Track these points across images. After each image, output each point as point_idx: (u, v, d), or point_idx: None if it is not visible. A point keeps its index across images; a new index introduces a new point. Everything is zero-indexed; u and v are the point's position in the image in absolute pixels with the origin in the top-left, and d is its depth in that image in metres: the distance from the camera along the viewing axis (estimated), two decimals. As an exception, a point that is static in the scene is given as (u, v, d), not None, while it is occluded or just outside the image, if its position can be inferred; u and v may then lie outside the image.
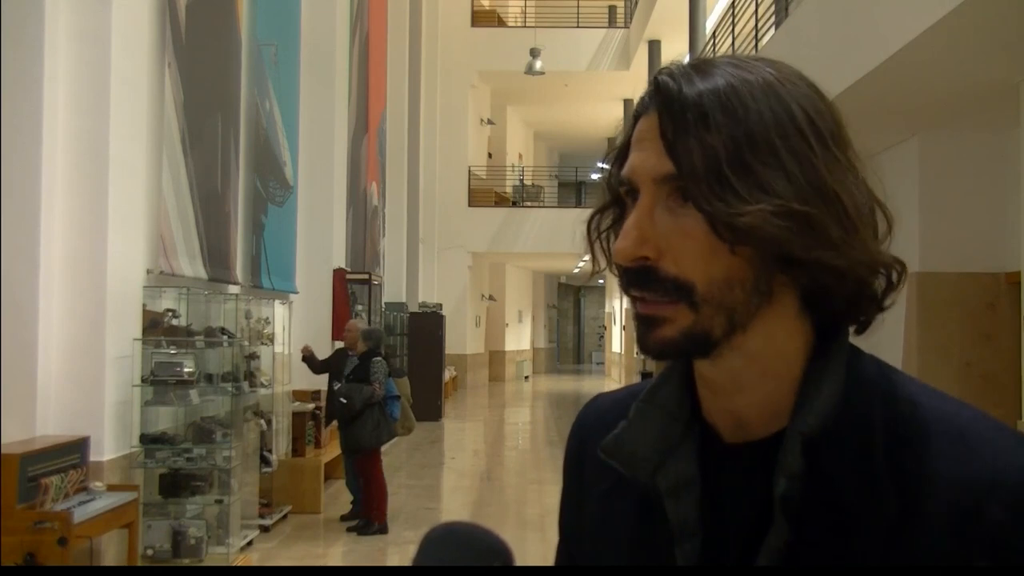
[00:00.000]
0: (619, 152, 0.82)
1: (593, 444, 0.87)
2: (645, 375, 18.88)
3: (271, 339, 8.18)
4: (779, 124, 0.74)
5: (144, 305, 6.01)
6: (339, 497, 8.57)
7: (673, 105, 0.75)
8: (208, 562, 5.98)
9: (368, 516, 7.53)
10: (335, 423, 7.98)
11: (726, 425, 0.81)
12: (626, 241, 0.76)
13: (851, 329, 0.80)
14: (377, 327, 8.61)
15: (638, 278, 0.76)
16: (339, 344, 8.98)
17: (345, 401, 7.33)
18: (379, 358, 7.63)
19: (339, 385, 7.53)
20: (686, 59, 0.80)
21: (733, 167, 0.73)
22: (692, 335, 0.75)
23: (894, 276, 0.78)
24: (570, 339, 39.23)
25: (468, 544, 0.82)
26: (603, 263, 0.85)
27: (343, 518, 7.90)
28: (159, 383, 5.91)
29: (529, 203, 23.95)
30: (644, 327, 0.77)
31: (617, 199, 0.83)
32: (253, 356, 7.60)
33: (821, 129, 0.76)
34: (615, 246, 0.78)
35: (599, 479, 0.89)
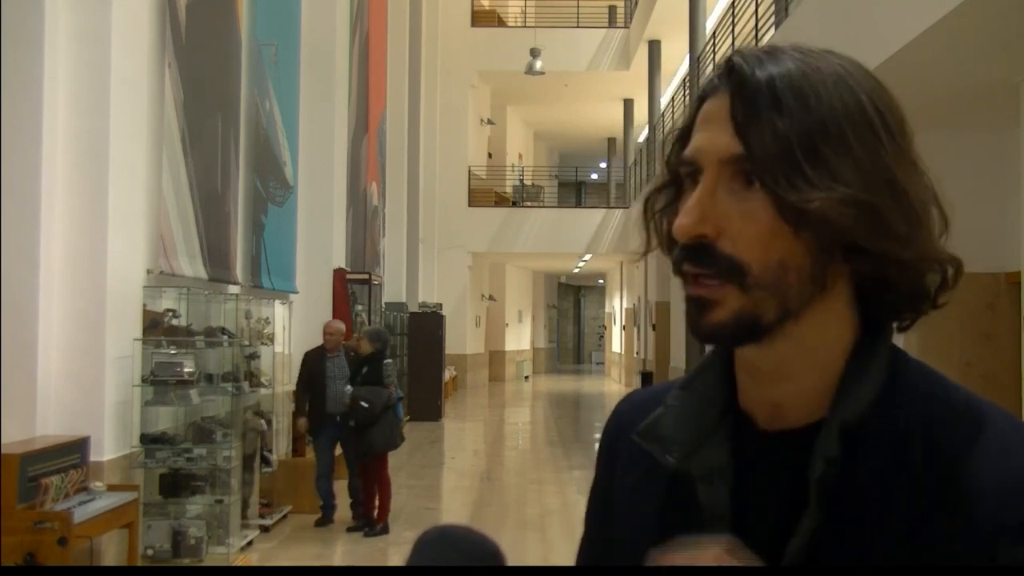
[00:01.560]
0: (681, 133, 0.82)
1: (627, 434, 0.88)
2: (645, 375, 18.87)
3: (271, 339, 8.18)
4: (849, 114, 0.75)
5: (144, 305, 6.01)
6: (339, 497, 8.56)
7: (747, 87, 0.76)
8: (208, 562, 5.98)
9: (371, 517, 7.48)
10: (299, 428, 7.89)
11: (763, 413, 0.81)
12: (688, 218, 0.76)
13: (895, 326, 0.81)
14: (383, 328, 8.49)
15: (694, 254, 0.77)
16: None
17: (367, 405, 7.19)
18: (390, 360, 7.57)
19: (347, 387, 7.35)
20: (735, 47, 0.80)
21: (804, 152, 0.73)
22: (743, 318, 0.76)
23: (950, 273, 0.79)
24: (570, 339, 39.23)
25: (461, 547, 0.82)
26: (655, 243, 0.85)
27: (318, 523, 7.75)
28: (159, 383, 5.91)
29: (529, 203, 23.95)
30: (696, 310, 0.78)
31: (675, 179, 0.83)
32: (253, 356, 7.60)
33: (889, 122, 0.76)
34: (676, 222, 0.77)
35: (632, 467, 0.89)
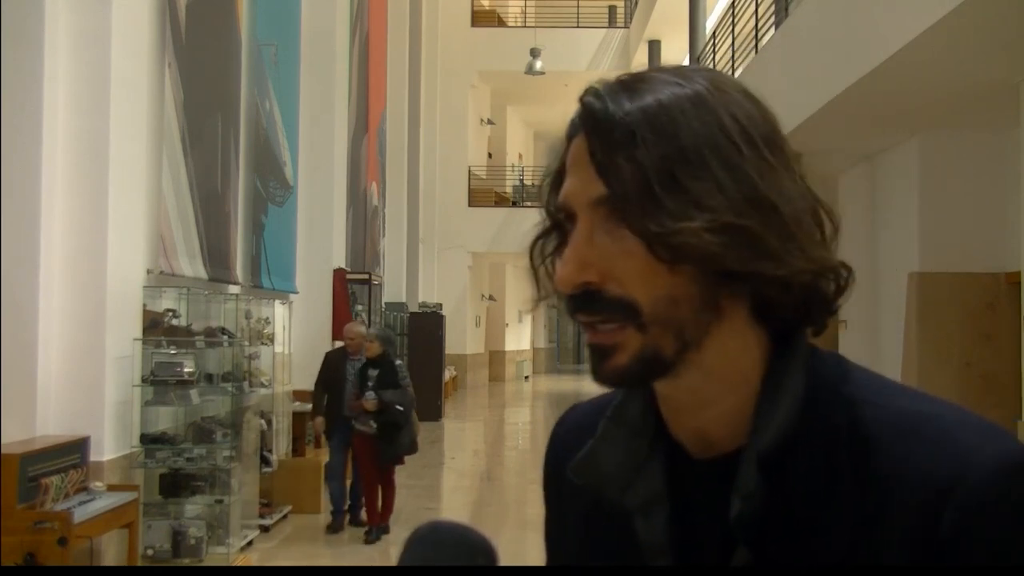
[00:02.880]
0: (555, 177, 0.81)
1: (568, 462, 0.86)
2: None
3: (271, 339, 8.18)
4: (709, 136, 0.72)
5: (144, 305, 6.01)
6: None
7: (600, 125, 0.74)
8: (208, 562, 5.98)
9: (374, 523, 7.32)
10: (316, 429, 7.77)
11: (692, 441, 0.79)
12: (567, 268, 0.75)
13: (809, 331, 0.79)
14: (390, 328, 8.39)
15: (583, 302, 0.75)
16: (337, 344, 8.90)
17: (401, 408, 7.07)
18: (400, 361, 7.50)
19: (368, 392, 7.06)
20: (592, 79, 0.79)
21: (663, 185, 0.71)
22: (644, 358, 0.74)
23: (842, 279, 0.77)
24: (570, 339, 39.20)
25: (452, 543, 0.82)
26: (548, 290, 0.83)
27: (330, 530, 7.59)
28: (159, 383, 5.91)
29: (529, 203, 23.92)
30: (596, 357, 0.76)
31: (557, 224, 0.81)
32: (253, 356, 7.60)
33: (753, 135, 0.74)
34: (557, 274, 0.76)
35: (579, 497, 0.87)
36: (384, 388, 7.06)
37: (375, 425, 7.08)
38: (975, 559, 0.67)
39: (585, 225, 0.75)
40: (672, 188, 0.71)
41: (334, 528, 7.55)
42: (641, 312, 0.73)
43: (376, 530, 7.31)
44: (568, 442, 0.91)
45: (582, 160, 0.75)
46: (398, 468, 7.49)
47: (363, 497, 7.48)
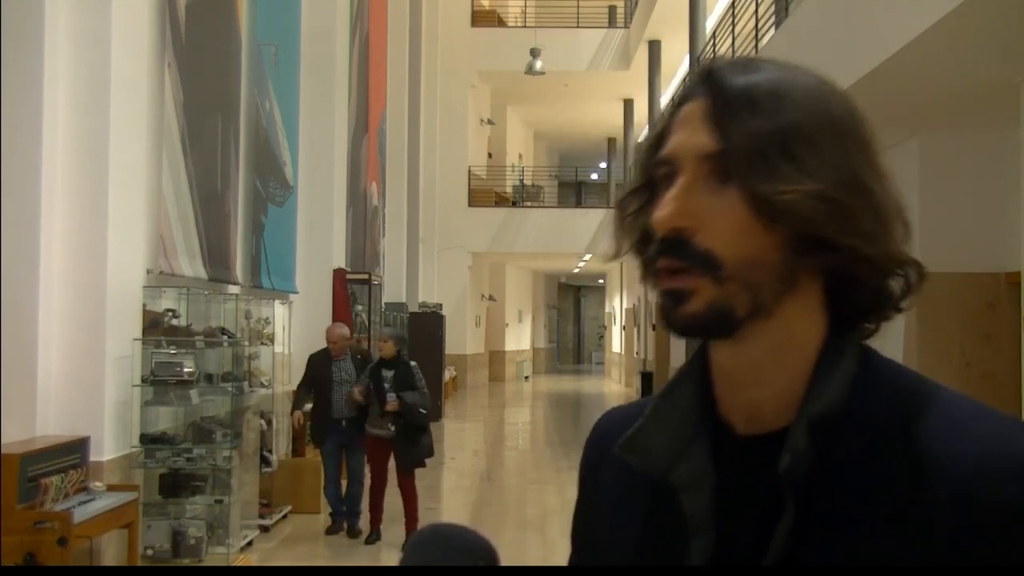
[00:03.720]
0: (655, 138, 0.85)
1: (608, 457, 0.89)
2: (645, 375, 18.87)
3: (271, 339, 8.18)
4: (822, 120, 0.78)
5: (144, 305, 6.01)
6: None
7: (724, 91, 0.79)
8: (208, 562, 5.98)
9: (378, 527, 7.21)
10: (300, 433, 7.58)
11: (741, 418, 0.82)
12: (665, 210, 0.78)
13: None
14: (402, 328, 8.23)
15: (671, 246, 0.79)
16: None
17: (425, 411, 6.90)
18: (415, 362, 7.30)
19: (390, 395, 6.86)
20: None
21: (777, 149, 0.76)
22: (716, 309, 0.77)
23: (913, 278, 0.80)
24: (570, 339, 39.22)
25: (453, 544, 0.82)
26: (627, 246, 0.87)
27: (329, 531, 7.49)
28: (159, 383, 5.91)
29: (529, 203, 23.95)
30: (671, 302, 0.80)
31: (649, 182, 0.84)
32: (253, 356, 7.60)
33: (860, 134, 0.80)
34: (655, 214, 0.80)
35: (615, 484, 0.90)
36: (402, 390, 6.86)
37: (393, 429, 6.87)
38: (1015, 546, 0.69)
39: (689, 176, 0.79)
40: (785, 153, 0.76)
41: (333, 530, 7.46)
42: (723, 267, 0.77)
43: (376, 534, 7.17)
44: (609, 435, 0.94)
45: (696, 118, 0.80)
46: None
47: (371, 504, 7.19)
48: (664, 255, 0.79)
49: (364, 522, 7.41)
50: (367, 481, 7.35)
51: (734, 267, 0.77)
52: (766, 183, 0.75)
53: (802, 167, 0.76)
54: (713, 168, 0.78)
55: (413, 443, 6.90)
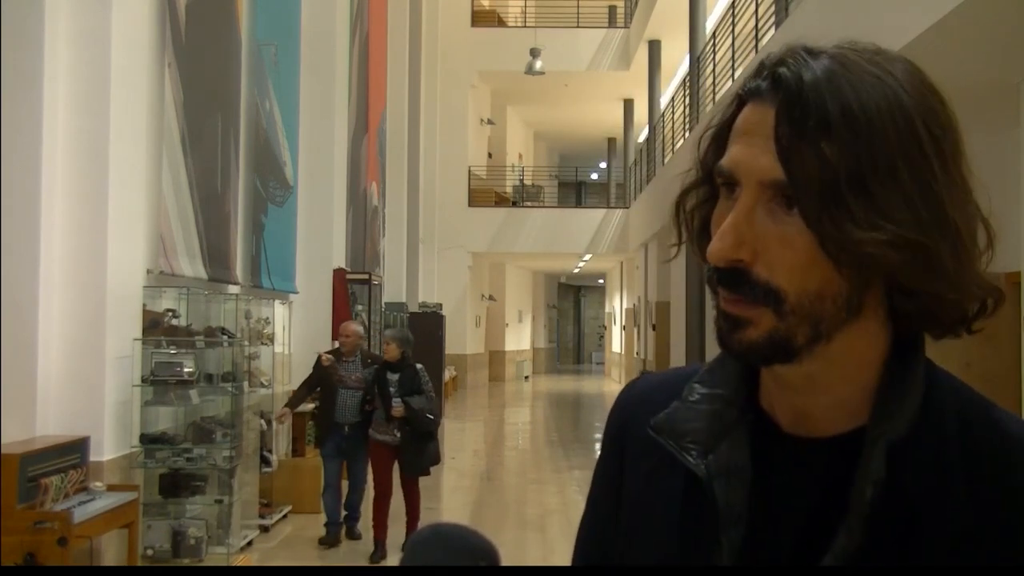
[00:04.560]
0: (718, 132, 0.79)
1: (637, 422, 0.86)
2: (647, 375, 18.83)
3: (271, 339, 8.18)
4: (903, 143, 0.70)
5: (144, 305, 6.01)
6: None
7: (794, 106, 0.71)
8: (208, 562, 5.98)
9: (385, 537, 6.83)
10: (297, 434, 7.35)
11: (788, 417, 0.80)
12: (723, 243, 0.73)
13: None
14: (408, 331, 7.73)
15: (729, 278, 0.74)
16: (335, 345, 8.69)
17: (432, 417, 6.63)
18: (421, 365, 7.01)
19: (395, 400, 6.59)
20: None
21: (851, 187, 0.69)
22: (774, 341, 0.73)
23: (990, 303, 0.77)
24: (570, 339, 39.21)
25: (454, 545, 0.82)
26: (686, 242, 0.84)
27: (323, 541, 7.15)
28: (159, 383, 5.91)
29: (529, 203, 23.94)
30: (728, 326, 0.76)
31: (708, 178, 0.80)
32: (253, 356, 7.59)
33: (944, 148, 0.72)
34: (710, 246, 0.74)
35: (644, 456, 0.87)
36: (408, 395, 6.59)
37: (399, 435, 6.64)
38: None
39: (748, 201, 0.73)
40: (859, 192, 0.69)
41: (328, 541, 7.11)
42: (785, 301, 0.72)
43: (381, 552, 6.78)
44: (637, 404, 0.91)
45: (761, 132, 0.73)
46: (398, 469, 6.94)
47: (375, 515, 6.84)
48: (722, 285, 0.75)
49: (364, 527, 7.23)
50: (372, 491, 7.00)
51: (797, 302, 0.72)
52: (836, 226, 0.69)
53: (877, 205, 0.69)
54: (776, 193, 0.72)
55: (420, 450, 6.65)
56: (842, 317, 0.73)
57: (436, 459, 6.85)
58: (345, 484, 7.38)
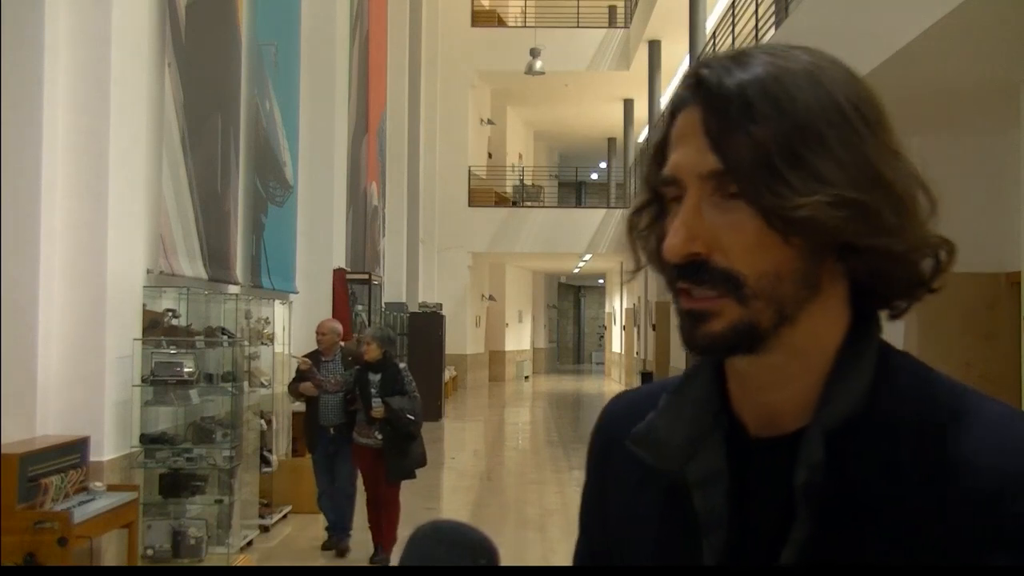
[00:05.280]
0: (657, 149, 0.82)
1: (620, 439, 0.87)
2: (645, 375, 18.85)
3: (271, 339, 8.18)
4: (825, 112, 0.73)
5: (144, 305, 6.01)
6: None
7: (716, 98, 0.75)
8: (208, 562, 5.98)
9: (383, 540, 6.65)
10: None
11: (755, 419, 0.81)
12: (676, 238, 0.75)
13: (886, 314, 0.81)
14: (391, 328, 7.40)
15: (689, 272, 0.76)
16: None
17: (413, 417, 6.36)
18: (404, 365, 6.81)
19: (375, 400, 6.37)
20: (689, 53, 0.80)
21: (783, 158, 0.72)
22: (739, 329, 0.75)
23: (943, 256, 0.78)
24: (570, 339, 39.21)
25: (454, 542, 0.82)
26: (642, 260, 0.85)
27: (327, 546, 7.01)
28: (159, 383, 5.91)
29: (529, 203, 23.95)
30: (690, 322, 0.77)
31: (656, 196, 0.82)
32: (253, 356, 7.59)
33: (867, 115, 0.75)
34: (665, 243, 0.77)
35: (627, 472, 0.88)
36: (390, 395, 6.37)
37: (380, 437, 6.43)
38: None
39: (694, 197, 0.76)
40: (792, 162, 0.72)
41: (330, 545, 6.98)
42: (745, 285, 0.74)
43: (381, 551, 6.65)
44: (619, 421, 0.92)
45: (693, 132, 0.76)
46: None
47: (370, 521, 6.71)
48: (682, 279, 0.77)
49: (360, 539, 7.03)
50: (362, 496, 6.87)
51: (757, 284, 0.74)
52: (776, 198, 0.72)
53: (811, 172, 0.72)
54: (717, 184, 0.75)
55: (401, 452, 6.41)
56: (803, 295, 0.75)
57: (420, 462, 6.61)
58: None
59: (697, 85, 0.77)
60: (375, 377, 6.49)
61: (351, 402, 6.69)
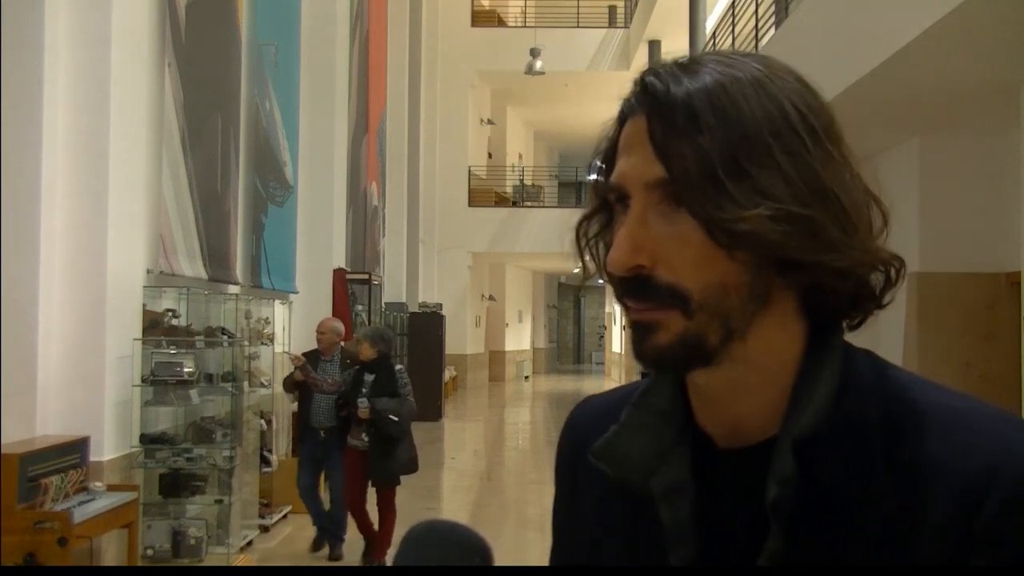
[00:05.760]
0: (606, 156, 0.81)
1: (586, 447, 0.85)
2: (645, 375, 18.86)
3: (271, 339, 8.18)
4: (771, 123, 0.72)
5: (144, 305, 6.01)
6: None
7: (662, 107, 0.73)
8: (208, 562, 5.98)
9: (373, 536, 6.50)
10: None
11: (721, 431, 0.79)
12: (619, 251, 0.74)
13: (845, 325, 0.79)
14: (387, 328, 7.13)
15: (633, 287, 0.75)
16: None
17: (396, 419, 6.13)
18: (401, 366, 6.64)
19: (360, 400, 6.20)
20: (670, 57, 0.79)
21: (727, 171, 0.71)
22: (686, 342, 0.74)
23: (892, 273, 0.77)
24: (570, 339, 39.20)
25: (448, 542, 0.82)
26: (593, 269, 0.83)
27: (315, 547, 6.89)
28: (159, 383, 5.91)
29: (529, 203, 23.94)
30: (638, 334, 0.76)
31: (605, 204, 0.81)
32: (253, 356, 7.59)
33: (814, 126, 0.74)
34: (609, 256, 0.75)
35: (594, 482, 0.87)
36: (381, 396, 6.21)
37: (367, 439, 6.25)
38: (1012, 549, 0.67)
39: (639, 207, 0.75)
40: (736, 174, 0.71)
41: (318, 545, 6.87)
42: (690, 299, 0.73)
43: (372, 544, 6.52)
44: (586, 427, 0.91)
45: (639, 141, 0.75)
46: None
47: (357, 525, 6.53)
48: (628, 296, 0.75)
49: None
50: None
51: (701, 298, 0.73)
52: (719, 210, 0.70)
53: (755, 185, 0.71)
54: (663, 194, 0.73)
55: (386, 454, 6.19)
56: (750, 309, 0.74)
57: (407, 467, 6.36)
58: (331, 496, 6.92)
59: (643, 92, 0.76)
60: (370, 377, 6.34)
61: (343, 405, 6.53)
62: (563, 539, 0.94)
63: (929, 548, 0.69)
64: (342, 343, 7.18)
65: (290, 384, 6.96)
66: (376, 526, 6.50)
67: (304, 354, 7.01)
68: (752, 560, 0.73)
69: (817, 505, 0.72)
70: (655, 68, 0.77)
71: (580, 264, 0.84)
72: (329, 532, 6.86)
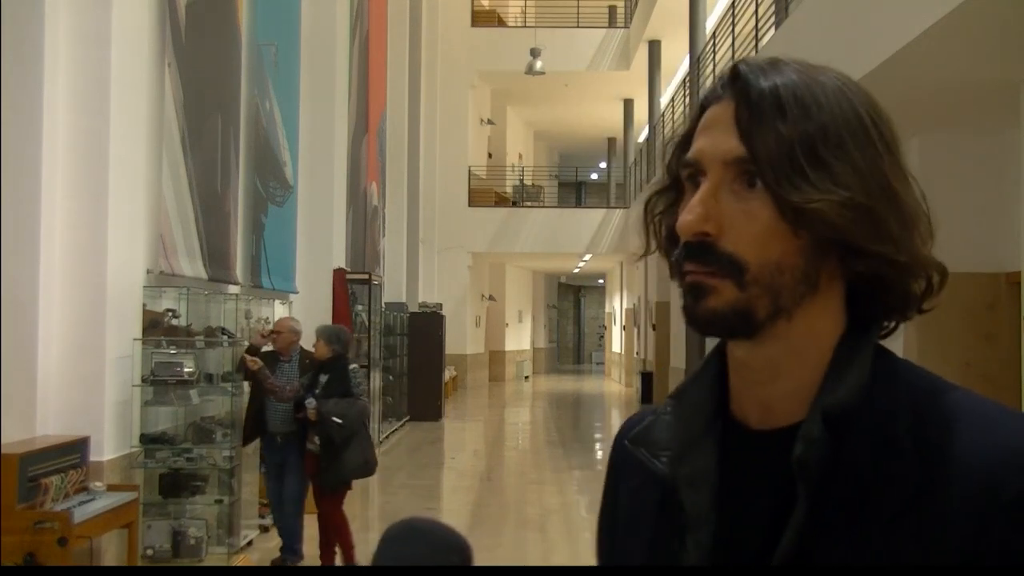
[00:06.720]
0: (682, 139, 0.86)
1: (632, 452, 0.91)
2: (645, 375, 18.87)
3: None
4: (848, 122, 0.79)
5: (144, 305, 6.01)
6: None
7: (751, 93, 0.79)
8: (208, 562, 5.98)
9: (331, 561, 6.11)
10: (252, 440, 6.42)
11: (755, 414, 0.83)
12: (691, 216, 0.79)
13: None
14: (342, 327, 6.62)
15: (696, 251, 0.79)
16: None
17: (340, 421, 5.77)
18: (355, 365, 6.27)
19: (308, 400, 5.84)
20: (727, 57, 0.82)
21: (806, 155, 0.77)
22: (737, 309, 0.78)
23: (935, 280, 0.82)
24: (570, 339, 39.21)
25: (427, 540, 0.81)
26: (654, 245, 0.88)
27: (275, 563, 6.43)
28: (159, 383, 5.91)
29: (529, 203, 23.94)
30: (692, 297, 0.80)
31: (675, 183, 0.86)
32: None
33: (884, 134, 0.81)
34: (680, 219, 0.80)
35: (632, 478, 0.92)
36: (332, 396, 5.84)
37: (319, 441, 5.88)
38: None
39: (714, 181, 0.80)
40: (813, 160, 0.77)
41: (280, 561, 6.38)
42: (747, 271, 0.78)
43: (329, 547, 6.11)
44: (633, 423, 0.96)
45: (721, 122, 0.81)
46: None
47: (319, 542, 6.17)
48: (689, 259, 0.80)
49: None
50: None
51: (758, 271, 0.78)
52: (794, 191, 0.76)
53: (830, 173, 0.76)
54: (739, 173, 0.79)
55: (333, 457, 5.82)
56: (800, 291, 0.79)
57: (363, 470, 6.03)
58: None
59: (733, 80, 0.81)
60: (324, 378, 5.97)
61: (297, 408, 6.04)
62: (605, 542, 0.97)
63: (951, 526, 0.71)
64: (301, 345, 6.68)
65: (245, 372, 6.39)
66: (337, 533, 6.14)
67: (262, 355, 6.42)
68: (777, 534, 0.76)
69: (843, 477, 0.75)
70: (745, 61, 0.83)
71: (644, 237, 0.89)
72: (284, 545, 6.46)
